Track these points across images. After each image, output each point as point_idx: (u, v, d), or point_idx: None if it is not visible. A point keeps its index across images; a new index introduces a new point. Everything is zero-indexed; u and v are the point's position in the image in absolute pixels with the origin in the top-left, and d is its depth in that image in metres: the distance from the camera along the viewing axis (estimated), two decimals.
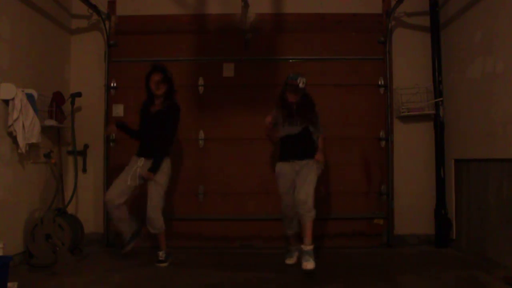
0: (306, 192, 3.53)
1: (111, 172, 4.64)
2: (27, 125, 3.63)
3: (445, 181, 4.45)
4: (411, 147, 4.66)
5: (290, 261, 3.86)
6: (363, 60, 4.70)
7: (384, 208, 4.61)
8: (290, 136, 3.75)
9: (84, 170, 4.67)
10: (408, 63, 4.69)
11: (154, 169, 3.69)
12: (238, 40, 4.62)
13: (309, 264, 3.36)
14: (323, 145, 3.84)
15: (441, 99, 4.48)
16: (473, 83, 3.99)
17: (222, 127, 4.65)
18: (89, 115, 4.69)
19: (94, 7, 4.51)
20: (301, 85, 3.67)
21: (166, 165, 3.77)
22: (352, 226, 4.60)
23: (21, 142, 3.61)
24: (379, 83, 4.68)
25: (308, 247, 3.47)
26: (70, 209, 4.32)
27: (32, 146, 3.80)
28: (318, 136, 3.82)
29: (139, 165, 3.77)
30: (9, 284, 2.94)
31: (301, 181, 3.62)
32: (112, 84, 4.71)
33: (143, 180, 3.78)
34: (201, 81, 4.67)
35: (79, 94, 4.39)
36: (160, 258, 3.82)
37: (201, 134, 4.65)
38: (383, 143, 4.65)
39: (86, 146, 4.67)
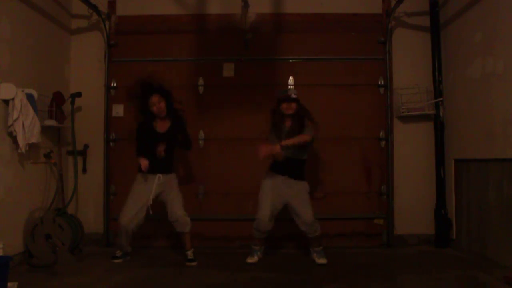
0: (311, 214, 3.79)
1: (111, 172, 4.66)
2: (27, 125, 3.63)
3: (445, 181, 4.46)
4: (411, 147, 4.66)
5: (252, 260, 3.91)
6: (363, 60, 4.69)
7: (384, 208, 4.61)
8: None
9: (84, 170, 4.67)
10: (408, 63, 4.69)
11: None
12: (238, 40, 4.62)
13: (323, 260, 3.87)
14: (303, 139, 3.75)
15: (441, 99, 4.48)
16: (473, 83, 4.00)
17: (222, 127, 4.64)
18: (89, 115, 4.68)
19: (94, 7, 4.51)
20: (293, 95, 3.82)
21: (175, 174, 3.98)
22: (352, 226, 4.60)
23: (21, 142, 3.61)
24: (379, 83, 4.68)
25: (318, 248, 3.93)
26: (70, 209, 4.32)
27: (32, 146, 3.80)
28: (311, 138, 3.81)
29: (158, 182, 3.79)
30: (9, 284, 2.94)
31: (301, 204, 3.80)
32: (112, 84, 4.71)
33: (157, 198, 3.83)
34: (201, 81, 4.66)
35: (79, 94, 4.40)
36: (190, 257, 3.89)
37: (201, 134, 4.65)
38: (383, 143, 4.65)
39: (86, 146, 4.67)
